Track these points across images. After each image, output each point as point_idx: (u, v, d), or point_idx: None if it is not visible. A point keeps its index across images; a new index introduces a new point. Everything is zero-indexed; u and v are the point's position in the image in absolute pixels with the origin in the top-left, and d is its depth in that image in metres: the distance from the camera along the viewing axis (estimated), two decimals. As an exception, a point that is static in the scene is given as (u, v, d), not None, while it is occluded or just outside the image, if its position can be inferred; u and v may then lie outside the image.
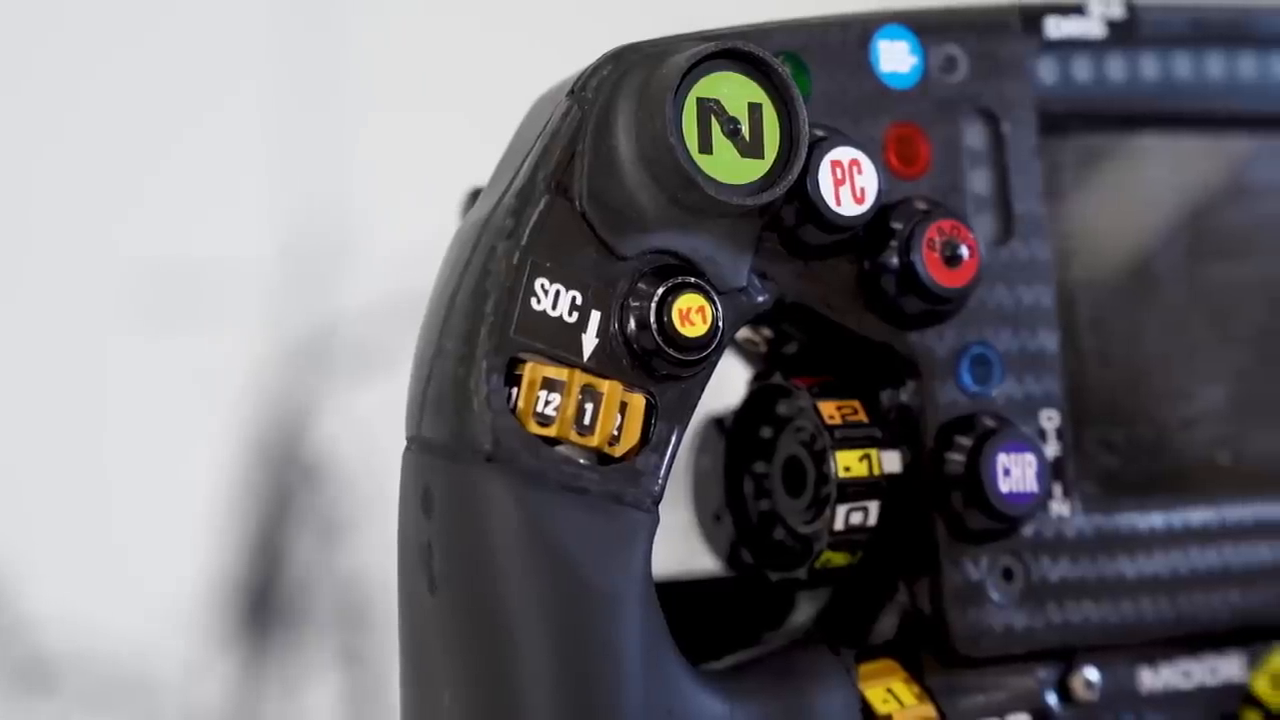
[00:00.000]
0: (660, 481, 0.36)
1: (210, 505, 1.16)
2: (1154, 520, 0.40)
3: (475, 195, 0.39)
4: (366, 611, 1.13)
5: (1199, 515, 0.40)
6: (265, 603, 1.15)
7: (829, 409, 0.39)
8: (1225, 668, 0.41)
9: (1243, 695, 0.41)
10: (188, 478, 1.14)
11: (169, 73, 1.17)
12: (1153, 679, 0.40)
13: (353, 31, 1.19)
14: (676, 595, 0.41)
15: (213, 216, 1.18)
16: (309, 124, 1.19)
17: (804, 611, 0.41)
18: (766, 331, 0.40)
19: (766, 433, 0.40)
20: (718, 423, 0.41)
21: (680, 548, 0.42)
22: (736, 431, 0.41)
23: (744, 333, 0.40)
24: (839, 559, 0.39)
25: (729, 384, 0.41)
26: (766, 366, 0.41)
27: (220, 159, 1.17)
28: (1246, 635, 0.41)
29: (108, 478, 1.13)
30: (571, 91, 0.37)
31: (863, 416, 0.39)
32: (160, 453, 1.14)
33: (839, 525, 0.38)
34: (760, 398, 0.40)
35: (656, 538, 0.36)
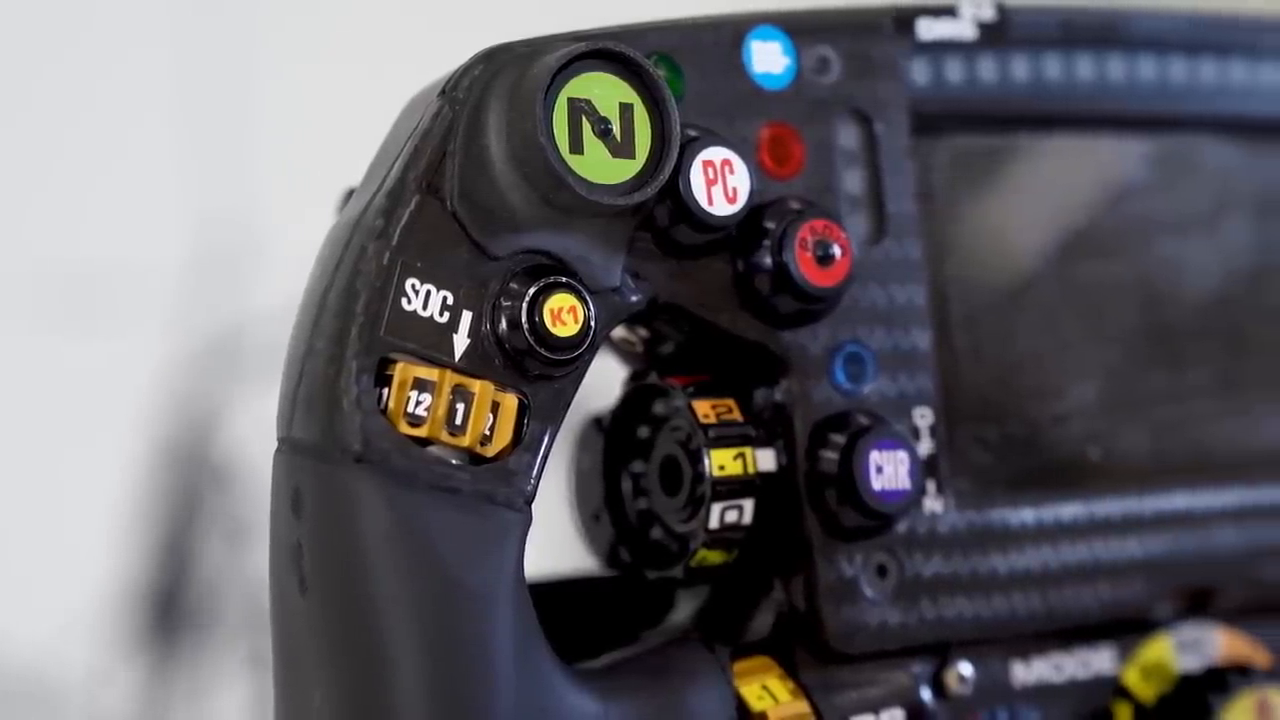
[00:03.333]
0: (533, 481, 0.36)
1: (117, 509, 1.14)
2: (1026, 516, 0.41)
3: (350, 195, 0.39)
4: (275, 615, 1.12)
5: (1070, 510, 0.41)
6: (173, 607, 1.14)
7: (704, 408, 0.39)
8: (1097, 661, 0.41)
9: (1114, 688, 0.42)
10: (94, 481, 1.13)
11: (77, 76, 1.16)
12: (1025, 673, 0.41)
13: (260, 35, 1.18)
14: (557, 595, 0.41)
15: (121, 218, 1.17)
16: (217, 126, 1.18)
17: (683, 610, 0.41)
18: (642, 331, 0.40)
19: (644, 432, 0.41)
20: (596, 422, 0.41)
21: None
22: (614, 431, 0.41)
23: (620, 332, 0.41)
24: (715, 557, 0.39)
25: (613, 383, 0.42)
26: (643, 366, 0.41)
27: (129, 161, 1.16)
28: (1117, 628, 0.41)
29: (9, 480, 1.12)
30: (443, 92, 0.37)
31: (738, 415, 0.39)
32: (66, 455, 1.12)
33: (714, 524, 0.38)
34: (637, 397, 0.40)
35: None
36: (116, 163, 1.16)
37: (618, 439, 0.41)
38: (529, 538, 0.36)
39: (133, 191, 1.17)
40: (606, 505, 0.41)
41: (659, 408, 0.40)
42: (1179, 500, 0.42)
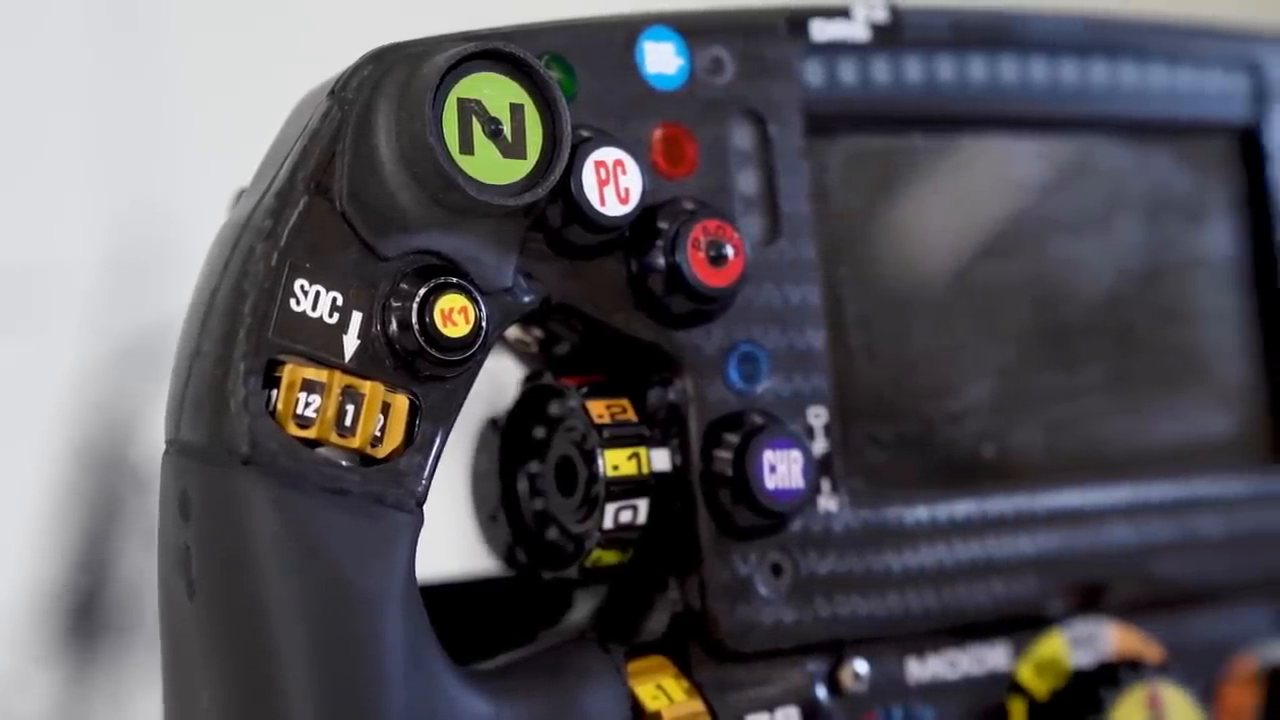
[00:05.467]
0: (424, 482, 0.36)
1: (35, 512, 1.13)
2: (920, 514, 0.41)
3: (241, 195, 0.39)
4: (195, 618, 1.11)
5: (964, 508, 0.41)
6: (92, 611, 1.13)
7: (598, 408, 0.39)
8: (991, 657, 0.42)
9: (1009, 684, 0.42)
10: (11, 484, 1.12)
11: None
12: (920, 670, 0.41)
13: (176, 35, 1.17)
14: (455, 596, 0.41)
15: (36, 218, 1.15)
16: (133, 126, 1.17)
17: (581, 610, 0.41)
18: (537, 331, 0.40)
19: (539, 433, 0.41)
20: (493, 423, 0.41)
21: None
22: (510, 432, 0.41)
23: (515, 333, 0.41)
24: (610, 557, 0.39)
25: (512, 383, 0.42)
26: (539, 367, 0.41)
27: (44, 162, 1.15)
28: (1011, 625, 0.42)
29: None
30: (332, 92, 0.37)
31: (632, 415, 0.39)
32: (-19, 459, 1.11)
33: (608, 524, 0.38)
34: (532, 398, 0.40)
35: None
36: (31, 162, 1.14)
37: (513, 440, 0.41)
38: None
39: (48, 191, 1.15)
40: (503, 506, 0.41)
41: (554, 408, 0.40)
42: (1072, 497, 0.43)
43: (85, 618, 1.13)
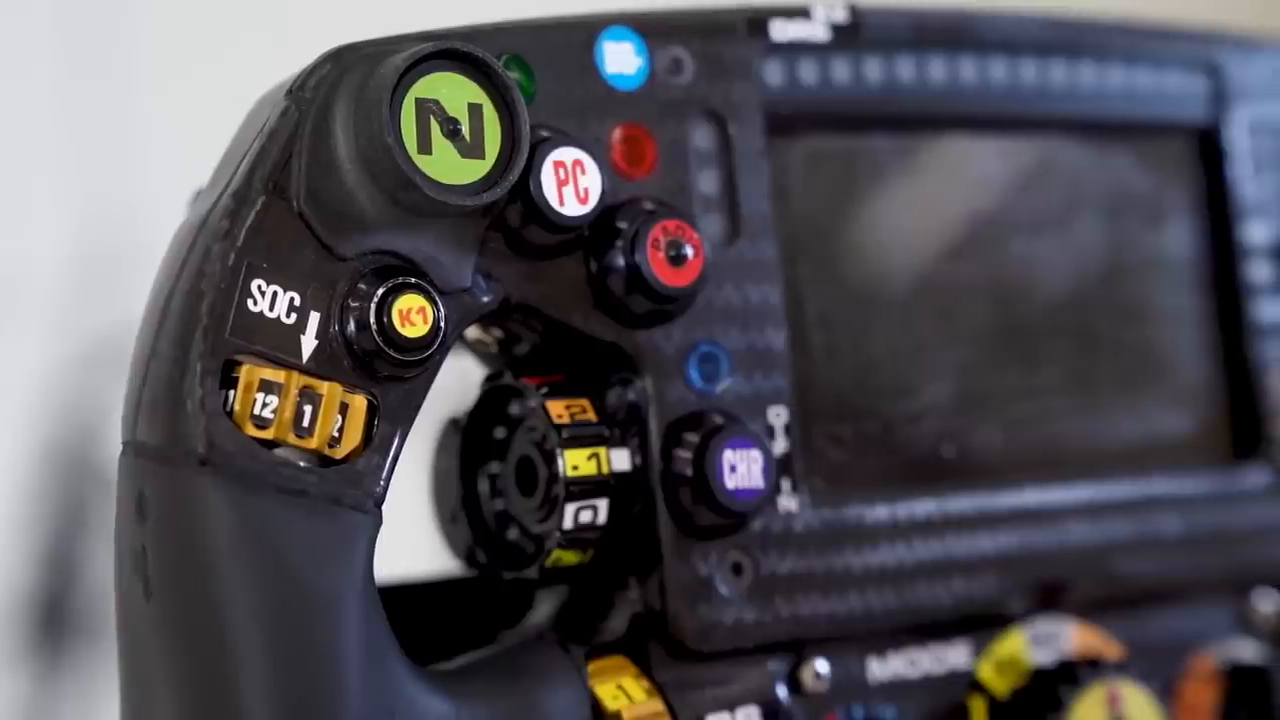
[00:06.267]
0: (383, 483, 0.36)
1: (1, 514, 1.12)
2: (880, 513, 0.41)
3: (199, 195, 0.39)
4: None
5: (924, 507, 0.41)
6: (59, 615, 1.13)
7: (558, 408, 0.39)
8: (952, 656, 0.42)
9: (969, 682, 0.42)
10: (-24, 487, 1.11)
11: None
12: (881, 669, 0.41)
13: (143, 31, 1.16)
14: (416, 597, 0.41)
15: (3, 219, 1.15)
16: (100, 124, 1.16)
17: (542, 610, 0.41)
18: (497, 331, 0.40)
19: (500, 433, 0.40)
20: (454, 423, 0.41)
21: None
22: (470, 432, 0.41)
23: (475, 333, 0.41)
24: (570, 558, 0.39)
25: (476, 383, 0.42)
26: (499, 367, 0.41)
27: (10, 160, 1.14)
28: (971, 624, 0.42)
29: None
30: (290, 91, 0.36)
31: (592, 415, 0.39)
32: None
33: (568, 524, 0.38)
34: (492, 398, 0.40)
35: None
36: (-1, 163, 1.14)
37: (474, 440, 0.41)
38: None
39: (14, 191, 1.15)
40: (463, 506, 0.41)
41: (514, 408, 0.40)
42: (1032, 497, 0.43)
43: (52, 619, 1.13)
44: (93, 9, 1.16)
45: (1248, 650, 0.45)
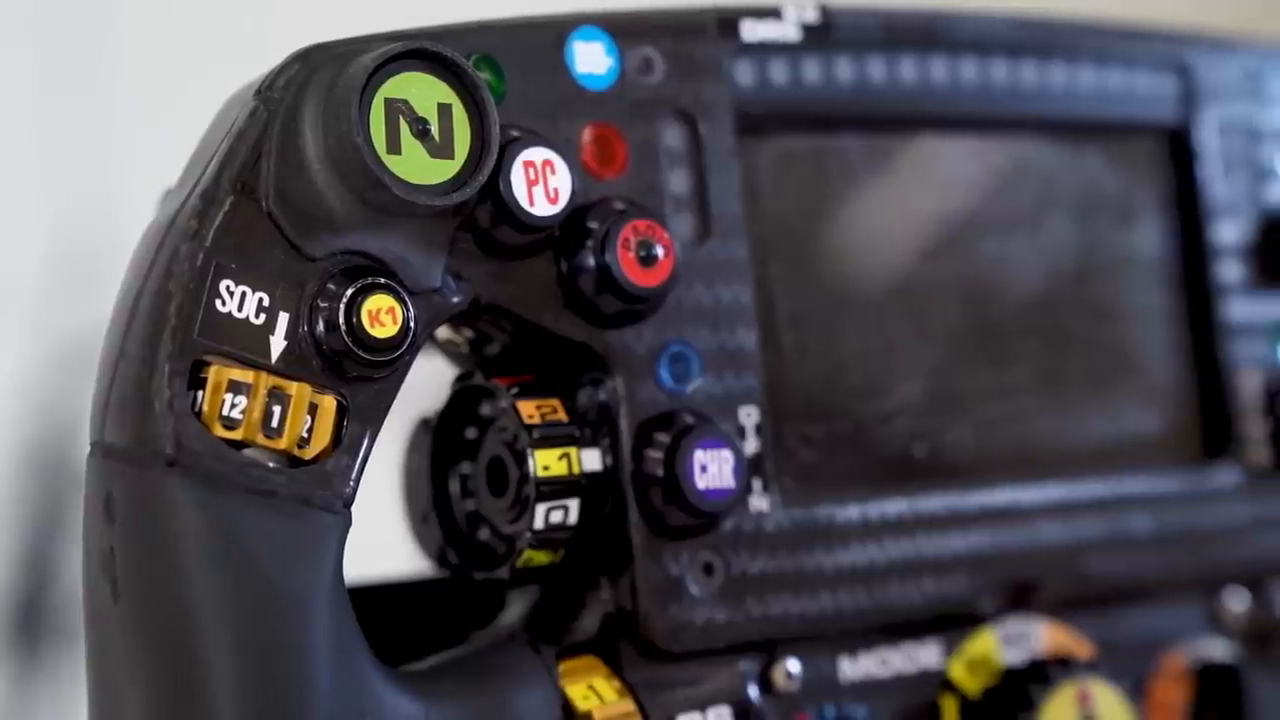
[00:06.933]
0: (352, 483, 0.36)
1: (-23, 516, 1.12)
2: (852, 513, 0.41)
3: (168, 195, 0.38)
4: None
5: (895, 507, 0.41)
6: (35, 615, 1.12)
7: (528, 409, 0.39)
8: (923, 655, 0.42)
9: (940, 681, 0.42)
10: (-47, 488, 1.11)
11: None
12: (852, 668, 0.41)
13: (121, 31, 1.16)
14: (387, 597, 0.41)
15: (-21, 218, 1.14)
16: (76, 122, 1.16)
17: (514, 611, 0.41)
18: (467, 331, 0.40)
19: (471, 433, 0.40)
20: (425, 423, 0.41)
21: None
22: (441, 432, 0.41)
23: (445, 333, 0.41)
24: (541, 558, 0.39)
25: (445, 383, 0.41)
26: (469, 367, 0.41)
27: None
28: (943, 623, 0.42)
29: None
30: (258, 91, 0.36)
31: (562, 415, 0.39)
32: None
33: (539, 524, 0.38)
34: (463, 398, 0.40)
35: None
36: (-26, 162, 1.13)
37: (445, 440, 0.41)
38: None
39: (-8, 191, 1.14)
40: (435, 507, 0.41)
41: (485, 409, 0.40)
42: (1002, 496, 0.43)
43: (29, 620, 1.12)
44: (70, 9, 1.16)
45: (1218, 649, 0.46)
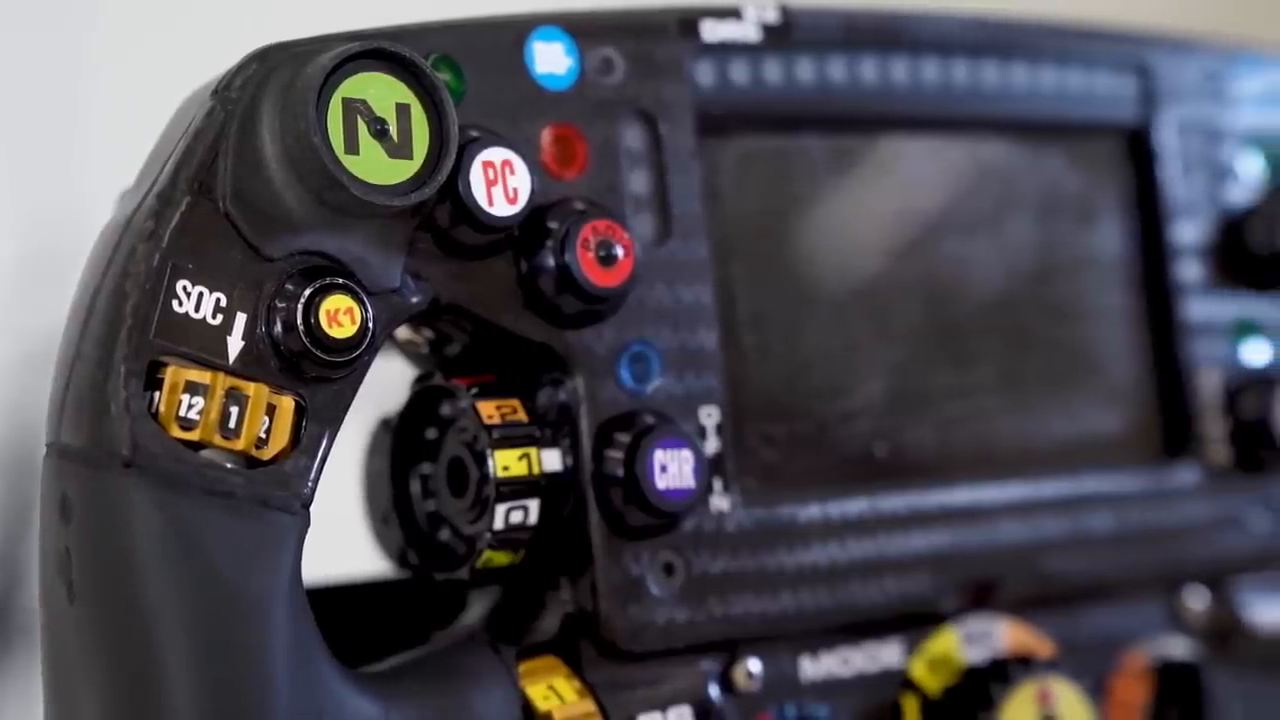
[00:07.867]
0: (310, 484, 0.36)
1: (-56, 518, 1.11)
2: (813, 512, 0.41)
3: (125, 196, 0.38)
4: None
5: (856, 506, 0.42)
6: (4, 617, 1.12)
7: (488, 409, 0.39)
8: (884, 654, 0.42)
9: (901, 680, 0.42)
10: (-80, 489, 1.10)
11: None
12: (814, 667, 0.41)
13: (89, 31, 1.16)
14: (347, 598, 0.41)
15: (-54, 219, 1.14)
16: (43, 122, 1.16)
17: (475, 611, 0.41)
18: (427, 332, 0.40)
19: (431, 434, 0.40)
20: (386, 423, 0.41)
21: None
22: (401, 433, 0.41)
23: (405, 333, 0.40)
24: (501, 558, 0.39)
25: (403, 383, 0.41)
26: (429, 367, 0.41)
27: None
28: (904, 622, 0.42)
29: None
30: (216, 91, 0.36)
31: (522, 416, 0.39)
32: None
33: (499, 524, 0.38)
34: (423, 399, 0.40)
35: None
36: (-59, 162, 1.13)
37: (405, 441, 0.41)
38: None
39: (-41, 191, 1.14)
40: (395, 507, 0.41)
41: (446, 409, 0.40)
42: (964, 495, 0.43)
43: (-3, 623, 1.12)
44: (37, 12, 1.15)
45: (1178, 647, 0.46)
